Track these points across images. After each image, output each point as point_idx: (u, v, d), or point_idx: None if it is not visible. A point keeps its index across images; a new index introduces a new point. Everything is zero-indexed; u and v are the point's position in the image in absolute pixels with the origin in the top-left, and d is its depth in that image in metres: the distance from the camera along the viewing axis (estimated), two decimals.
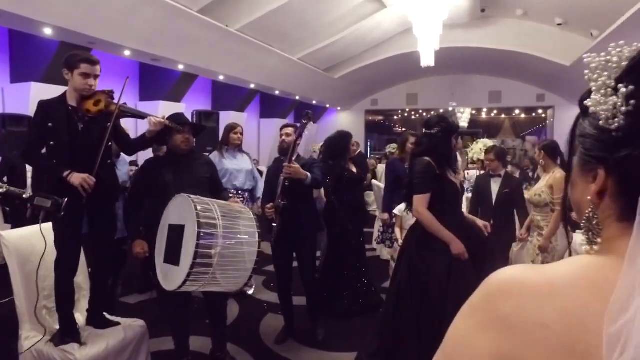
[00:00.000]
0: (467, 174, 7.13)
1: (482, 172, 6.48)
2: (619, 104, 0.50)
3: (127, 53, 6.67)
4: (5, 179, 4.97)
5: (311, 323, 3.47)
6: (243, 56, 8.16)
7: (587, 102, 0.55)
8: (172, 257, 2.19)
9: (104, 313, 2.67)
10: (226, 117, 8.40)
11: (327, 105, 14.07)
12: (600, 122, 0.52)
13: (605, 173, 0.53)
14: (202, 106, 9.69)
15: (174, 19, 6.25)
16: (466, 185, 6.37)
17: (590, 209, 0.56)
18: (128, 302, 4.10)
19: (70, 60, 2.37)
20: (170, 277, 2.19)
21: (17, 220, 4.96)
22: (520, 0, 8.80)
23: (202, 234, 2.04)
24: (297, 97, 11.90)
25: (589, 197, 0.55)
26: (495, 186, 4.08)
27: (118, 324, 2.60)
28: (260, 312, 3.93)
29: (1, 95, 6.32)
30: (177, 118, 2.71)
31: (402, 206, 3.97)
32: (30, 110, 5.91)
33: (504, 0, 8.91)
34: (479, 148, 6.18)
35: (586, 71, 0.55)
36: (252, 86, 9.89)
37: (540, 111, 13.84)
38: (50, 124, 2.34)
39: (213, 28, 6.92)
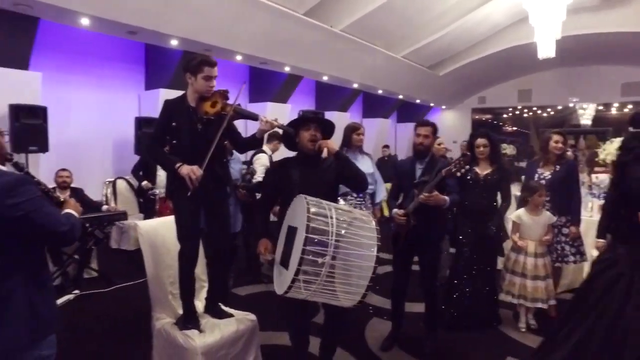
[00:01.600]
0: (597, 177, 6.30)
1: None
2: None
3: (238, 58, 7.09)
4: (140, 173, 5.64)
5: (425, 333, 3.30)
6: (346, 56, 8.19)
7: None
8: (285, 259, 2.12)
9: (219, 303, 2.82)
10: (329, 118, 8.51)
11: (431, 104, 13.57)
12: None
13: None
14: (307, 106, 9.96)
15: (281, 23, 6.49)
16: (595, 192, 5.64)
17: None
18: (239, 294, 4.32)
19: (192, 63, 2.50)
20: (281, 280, 2.13)
21: (147, 211, 5.59)
22: None
23: (309, 240, 1.90)
24: (400, 96, 11.65)
25: None
26: None
27: (232, 315, 2.73)
28: (365, 315, 3.85)
29: (138, 101, 7.16)
30: (305, 115, 2.67)
31: (521, 212, 3.64)
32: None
33: None
34: (614, 148, 5.39)
35: None
36: (355, 86, 9.90)
37: None
38: (173, 124, 2.51)
39: (318, 29, 7.05)
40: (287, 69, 7.97)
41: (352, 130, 3.90)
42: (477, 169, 3.63)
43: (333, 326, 2.71)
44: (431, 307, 3.25)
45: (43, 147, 5.14)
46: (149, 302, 2.75)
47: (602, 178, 6.14)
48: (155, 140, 2.59)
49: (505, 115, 15.35)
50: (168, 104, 2.58)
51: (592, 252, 4.55)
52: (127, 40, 6.30)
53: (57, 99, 5.92)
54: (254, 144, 2.66)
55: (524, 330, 3.58)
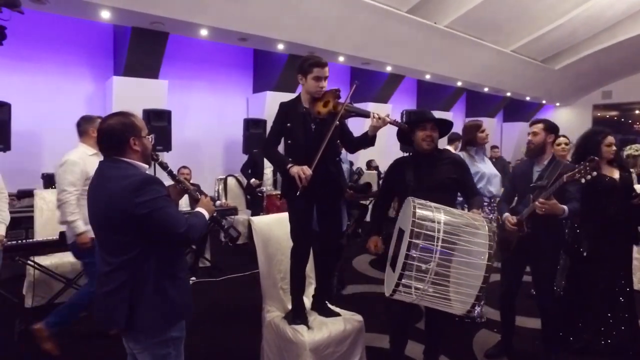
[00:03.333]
0: None
1: None
2: None
3: (341, 59, 7.17)
4: (249, 171, 6.01)
5: (543, 353, 3.01)
6: (451, 53, 7.85)
7: None
8: (393, 261, 2.10)
9: (326, 302, 2.86)
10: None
11: (543, 102, 12.44)
12: None
13: None
14: (408, 106, 9.75)
15: (384, 22, 6.42)
16: None
17: None
18: (341, 292, 4.36)
19: (303, 65, 2.56)
20: (389, 282, 2.10)
21: (255, 207, 5.92)
22: None
23: (414, 245, 1.86)
24: (508, 94, 10.87)
25: None
26: None
27: (339, 314, 2.74)
28: (474, 326, 3.64)
29: (246, 103, 7.65)
30: (421, 114, 2.61)
31: None
32: (266, 115, 7.00)
33: None
34: None
35: None
36: (459, 84, 9.46)
37: None
38: (288, 124, 2.59)
39: (421, 26, 6.85)
40: (388, 68, 7.88)
41: (476, 128, 3.70)
42: (605, 172, 3.14)
43: (435, 331, 2.64)
44: (547, 324, 2.95)
45: (167, 147, 5.72)
46: (258, 294, 2.87)
47: None
48: (270, 141, 2.70)
49: (635, 112, 13.51)
50: (283, 106, 2.66)
51: None
52: (237, 47, 6.76)
53: (179, 103, 6.55)
54: (366, 142, 2.63)
55: None
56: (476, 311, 2.96)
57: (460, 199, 2.79)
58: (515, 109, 12.28)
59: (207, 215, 1.87)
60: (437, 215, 1.97)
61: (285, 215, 2.75)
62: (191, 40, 6.36)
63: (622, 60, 10.05)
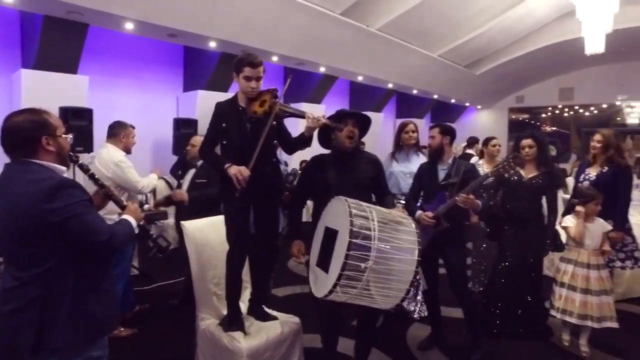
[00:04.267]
0: None
1: None
2: None
3: (274, 59, 7.12)
4: (179, 172, 5.75)
5: (469, 341, 3.18)
6: (382, 56, 8.10)
7: None
8: (324, 262, 2.08)
9: (263, 305, 2.81)
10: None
11: (467, 104, 13.26)
12: None
13: None
14: (341, 107, 9.87)
15: (317, 23, 6.47)
16: None
17: None
18: (277, 295, 4.32)
19: (237, 63, 2.50)
20: (319, 283, 2.10)
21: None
22: None
23: (353, 244, 1.86)
24: (435, 96, 11.44)
25: None
26: None
27: (276, 318, 2.71)
28: (406, 320, 3.77)
29: (176, 102, 7.32)
30: (340, 113, 2.64)
31: (571, 219, 3.41)
32: (197, 115, 6.75)
33: None
34: None
35: None
36: (390, 86, 9.78)
37: None
38: (224, 124, 2.51)
39: (354, 29, 6.99)
40: (322, 69, 7.95)
41: (399, 129, 3.83)
42: (522, 172, 3.48)
43: (366, 327, 2.69)
44: (469, 313, 3.13)
45: (89, 148, 5.30)
46: (192, 301, 2.76)
47: None
48: (207, 142, 2.61)
49: (544, 115, 14.83)
50: (218, 105, 2.59)
51: None
52: (167, 43, 6.44)
53: (102, 101, 6.10)
54: (302, 143, 2.62)
55: (567, 344, 3.34)
56: (412, 306, 3.09)
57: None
58: (442, 111, 12.97)
59: (134, 223, 1.74)
60: (370, 213, 2.00)
61: (219, 218, 2.67)
62: (116, 34, 5.94)
63: (533, 67, 10.99)
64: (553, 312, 3.32)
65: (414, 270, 1.95)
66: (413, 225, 2.08)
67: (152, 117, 6.92)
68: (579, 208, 3.24)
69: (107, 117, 6.41)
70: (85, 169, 1.80)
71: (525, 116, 14.87)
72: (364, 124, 2.65)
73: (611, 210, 3.47)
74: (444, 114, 12.87)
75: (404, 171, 3.70)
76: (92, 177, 1.81)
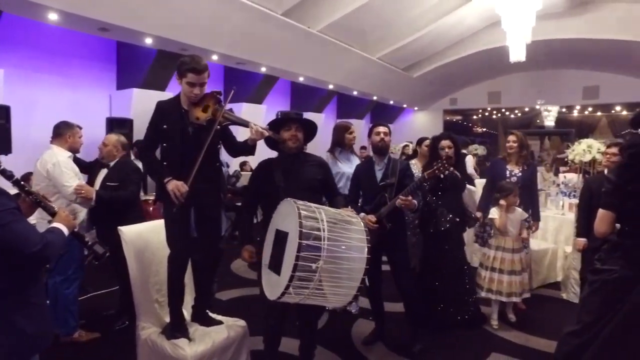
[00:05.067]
0: (565, 177, 6.54)
1: (585, 175, 5.92)
2: None
3: (214, 58, 6.95)
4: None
5: (410, 333, 3.31)
6: (323, 57, 8.19)
7: None
8: (275, 264, 2.09)
9: (207, 310, 2.74)
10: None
11: (404, 105, 13.77)
12: None
13: None
14: (282, 107, 9.89)
15: (259, 23, 6.41)
16: (565, 190, 5.85)
17: None
18: (221, 298, 4.23)
19: (180, 68, 2.42)
20: (272, 286, 2.10)
21: None
22: None
23: (303, 246, 1.89)
24: (375, 98, 11.76)
25: None
26: None
27: (221, 322, 2.65)
28: (351, 317, 3.85)
29: (109, 101, 6.91)
30: (285, 115, 2.63)
31: (496, 211, 3.70)
32: (132, 114, 6.43)
33: None
34: (581, 149, 5.60)
35: None
36: (331, 87, 9.92)
37: None
38: (165, 126, 2.42)
39: (295, 30, 7.01)
40: (263, 69, 7.89)
41: (344, 130, 3.88)
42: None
43: (310, 326, 2.73)
44: (410, 306, 3.27)
45: (5, 149, 4.86)
46: (128, 311, 2.63)
47: (570, 177, 6.39)
48: (147, 144, 2.50)
49: (475, 117, 15.77)
50: (160, 105, 2.49)
51: (566, 249, 4.73)
52: (97, 38, 6.07)
53: (22, 98, 5.63)
54: (246, 150, 2.60)
55: (496, 327, 3.66)
56: (353, 303, 3.17)
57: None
58: (382, 112, 13.37)
59: (66, 231, 1.63)
60: (319, 214, 2.02)
61: (160, 222, 2.57)
62: (38, 25, 5.48)
63: (464, 72, 11.65)
64: (484, 294, 3.68)
65: (365, 267, 2.01)
66: (362, 224, 2.14)
67: (82, 117, 6.45)
68: (501, 202, 3.64)
69: (28, 115, 5.95)
70: (8, 175, 1.65)
71: (459, 117, 15.73)
72: (310, 128, 2.67)
73: (530, 203, 3.97)
74: (383, 115, 13.28)
75: (351, 172, 3.77)
76: (16, 183, 1.67)
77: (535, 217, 4.02)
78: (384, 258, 3.26)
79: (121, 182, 3.42)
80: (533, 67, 11.39)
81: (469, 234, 4.40)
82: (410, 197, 2.95)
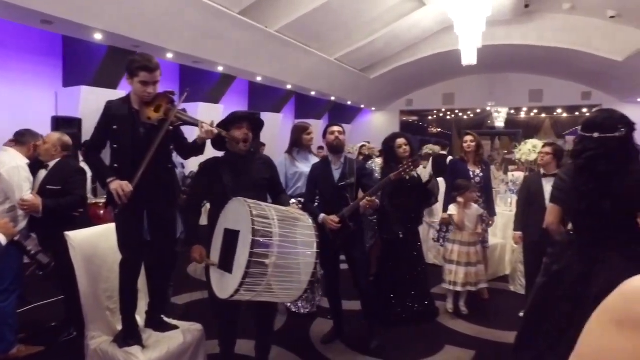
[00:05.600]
0: (512, 175, 6.87)
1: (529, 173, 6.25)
2: None
3: (169, 56, 6.77)
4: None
5: (367, 331, 3.37)
6: (281, 57, 8.16)
7: None
8: (226, 263, 2.10)
9: (162, 316, 2.67)
10: (262, 118, 8.45)
11: (362, 106, 13.96)
12: None
13: None
14: (239, 107, 9.77)
15: (215, 21, 6.30)
16: (513, 188, 6.14)
17: None
18: (178, 303, 4.12)
19: (131, 67, 2.35)
20: (223, 285, 2.10)
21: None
22: None
23: (256, 243, 1.93)
24: (333, 98, 11.84)
25: None
26: (548, 187, 3.82)
27: (177, 327, 2.60)
28: (310, 316, 3.87)
29: (55, 98, 6.55)
30: (234, 115, 2.60)
31: (454, 207, 3.89)
32: (80, 113, 6.14)
33: None
34: (527, 149, 5.91)
35: None
36: (289, 87, 9.89)
37: (584, 110, 13.24)
38: (115, 126, 2.34)
39: (253, 29, 6.94)
40: (220, 68, 7.76)
41: (301, 130, 3.89)
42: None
43: (264, 326, 2.74)
44: (368, 304, 3.33)
45: None
46: (75, 321, 2.52)
47: (517, 176, 6.73)
48: (92, 145, 2.39)
49: (430, 117, 16.25)
50: (109, 105, 2.40)
51: (513, 244, 4.97)
52: (41, 31, 5.74)
53: None
54: (196, 150, 2.56)
55: (451, 310, 3.91)
56: (302, 301, 3.20)
57: None
58: (339, 112, 13.49)
59: (4, 241, 1.54)
60: (269, 212, 2.07)
61: (110, 227, 2.48)
62: None
63: (420, 74, 11.98)
64: (445, 286, 3.93)
65: (314, 262, 2.08)
66: (310, 220, 2.21)
67: (24, 115, 6.11)
68: (459, 199, 3.85)
69: None
70: None
71: (415, 118, 16.16)
72: (257, 126, 2.67)
73: (487, 200, 4.23)
74: (341, 115, 13.41)
75: (308, 171, 3.79)
76: None
77: (491, 212, 4.30)
78: (342, 257, 3.30)
79: (63, 184, 3.18)
80: (484, 71, 11.87)
81: (423, 231, 4.55)
82: (374, 197, 3.03)
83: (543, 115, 14.82)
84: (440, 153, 10.36)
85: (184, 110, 2.51)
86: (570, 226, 2.29)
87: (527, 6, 8.99)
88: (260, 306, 2.59)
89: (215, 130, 2.44)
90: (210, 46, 6.78)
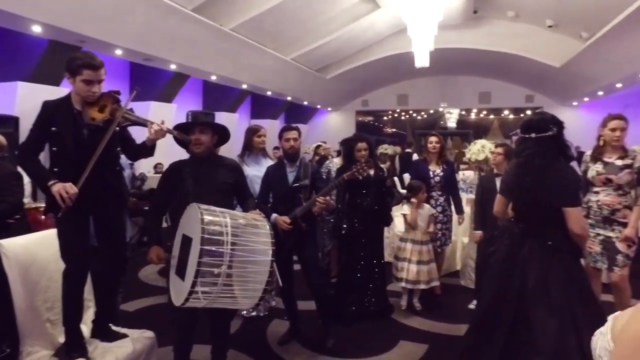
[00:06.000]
0: (464, 174, 7.12)
1: (481, 173, 6.50)
2: None
3: (118, 52, 6.49)
4: None
5: (323, 330, 3.38)
6: (236, 56, 8.04)
7: None
8: (181, 269, 2.07)
9: (110, 324, 2.55)
10: (217, 118, 8.28)
11: (318, 106, 14.02)
12: None
13: None
14: (194, 106, 9.53)
15: (167, 18, 6.11)
16: (464, 187, 6.37)
17: None
18: (128, 310, 3.95)
19: (72, 65, 2.21)
20: (178, 291, 2.06)
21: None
22: (511, 2, 8.88)
23: (205, 251, 1.88)
24: (289, 98, 11.82)
25: None
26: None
27: (126, 335, 2.48)
28: (266, 318, 3.83)
29: None
30: (195, 117, 2.53)
31: (408, 207, 3.97)
32: (16, 111, 5.75)
33: (496, 2, 8.98)
34: (477, 148, 6.14)
35: None
36: (244, 86, 9.77)
37: (528, 112, 13.97)
38: (54, 128, 2.19)
39: (207, 27, 6.79)
40: (173, 66, 7.54)
41: (252, 132, 3.84)
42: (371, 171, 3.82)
43: (220, 330, 2.69)
44: (321, 303, 3.34)
45: None
46: (11, 335, 2.34)
47: (468, 174, 6.99)
48: (28, 147, 2.23)
49: (385, 118, 16.57)
50: (47, 105, 2.24)
51: (464, 240, 5.16)
52: None
53: None
54: (144, 152, 2.45)
55: (404, 308, 3.98)
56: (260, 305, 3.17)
57: None
58: (296, 112, 13.49)
59: None
60: (223, 219, 2.02)
61: (50, 233, 2.33)
62: None
63: (375, 75, 12.20)
64: (398, 283, 3.97)
65: (269, 270, 2.04)
66: (267, 226, 2.16)
67: None
68: (413, 199, 3.94)
69: None
70: None
71: (370, 118, 16.42)
72: (220, 131, 2.60)
73: (452, 198, 4.31)
74: (297, 116, 13.42)
75: (257, 175, 3.75)
76: None
77: (458, 210, 4.37)
78: (295, 257, 3.29)
79: None
80: (436, 73, 12.27)
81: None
82: (328, 200, 3.05)
83: (491, 116, 15.51)
84: (406, 151, 10.66)
85: (131, 110, 2.40)
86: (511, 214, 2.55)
87: (475, 12, 9.38)
88: (216, 310, 2.52)
89: (165, 129, 2.35)
90: (162, 43, 6.57)
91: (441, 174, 4.24)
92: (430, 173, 4.24)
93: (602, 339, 0.75)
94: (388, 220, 4.01)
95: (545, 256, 2.24)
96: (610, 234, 3.10)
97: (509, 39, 9.79)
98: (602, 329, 0.78)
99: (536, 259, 2.24)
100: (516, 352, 2.19)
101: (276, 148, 9.73)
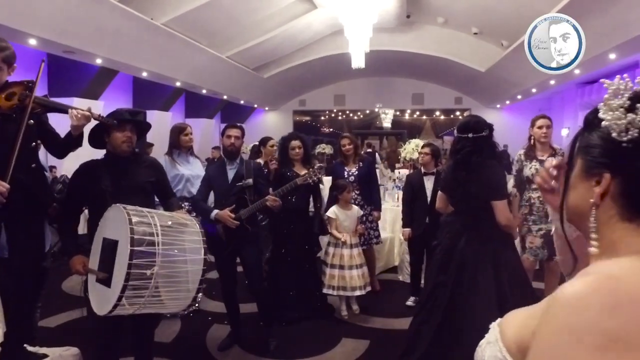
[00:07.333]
0: (399, 172, 7.35)
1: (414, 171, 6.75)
2: (638, 120, 0.59)
3: (32, 42, 5.92)
4: None
5: (264, 332, 3.31)
6: (169, 52, 7.69)
7: (605, 117, 0.62)
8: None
9: (25, 345, 2.30)
10: (150, 117, 7.88)
11: (255, 105, 13.84)
12: (613, 135, 0.61)
13: (610, 176, 0.61)
14: (123, 104, 8.98)
15: (91, 8, 5.68)
16: (399, 185, 6.58)
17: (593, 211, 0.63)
18: (49, 326, 3.61)
19: None
20: (102, 300, 1.93)
21: None
22: (441, 9, 9.30)
23: (136, 253, 1.79)
24: (225, 97, 11.54)
25: (591, 200, 0.63)
26: (429, 184, 4.14)
27: (45, 355, 2.25)
28: (205, 324, 3.68)
29: None
30: (118, 113, 2.35)
31: (335, 208, 3.93)
32: None
33: (427, 8, 9.37)
34: (411, 148, 6.37)
35: (606, 95, 0.64)
36: (178, 84, 9.38)
37: (457, 113, 14.80)
38: None
39: (136, 20, 6.42)
40: (98, 61, 7.03)
41: (178, 131, 3.77)
42: (295, 170, 3.75)
43: (144, 339, 2.54)
44: (262, 304, 3.31)
45: None
46: None
47: (404, 173, 7.23)
48: None
49: (322, 118, 16.72)
50: None
51: (401, 237, 5.31)
52: None
53: None
54: (71, 144, 2.24)
55: (346, 317, 3.84)
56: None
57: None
58: (232, 111, 13.21)
59: None
60: (151, 219, 1.94)
61: None
62: None
63: (312, 75, 12.26)
64: (330, 291, 3.78)
65: (202, 269, 2.00)
66: (197, 225, 2.11)
67: None
68: (339, 197, 3.84)
69: None
70: None
71: (308, 118, 16.48)
72: (141, 127, 2.46)
73: (369, 196, 4.24)
74: (234, 115, 13.14)
75: (192, 174, 3.67)
76: None
77: (376, 206, 4.29)
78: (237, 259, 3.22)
79: None
80: (372, 74, 12.59)
81: None
82: (278, 200, 3.07)
83: (424, 117, 16.19)
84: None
85: (46, 96, 2.19)
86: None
87: (408, 16, 9.72)
88: (140, 316, 2.33)
89: (88, 113, 2.18)
90: (84, 35, 6.09)
91: (356, 172, 4.23)
92: (346, 173, 4.27)
93: (490, 348, 0.69)
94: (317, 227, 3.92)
95: (479, 247, 2.42)
96: (552, 227, 3.31)
97: (439, 44, 10.28)
98: (487, 338, 0.72)
99: (472, 249, 2.42)
100: (448, 333, 2.37)
101: (215, 148, 9.50)
